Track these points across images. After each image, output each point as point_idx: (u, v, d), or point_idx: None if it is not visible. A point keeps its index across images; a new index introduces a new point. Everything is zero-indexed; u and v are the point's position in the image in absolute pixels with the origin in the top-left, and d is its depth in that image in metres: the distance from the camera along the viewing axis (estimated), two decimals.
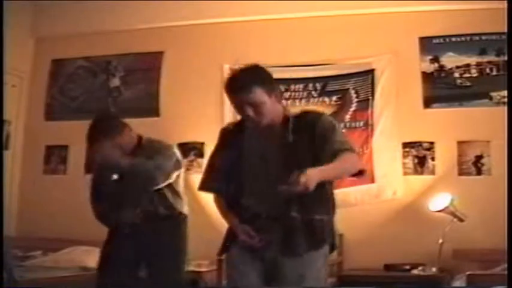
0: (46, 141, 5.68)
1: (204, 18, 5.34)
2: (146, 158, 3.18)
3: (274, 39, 5.16)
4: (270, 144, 2.50)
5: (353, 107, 5.04)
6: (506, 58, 4.69)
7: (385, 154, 4.90)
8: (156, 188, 3.21)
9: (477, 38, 4.83)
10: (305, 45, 5.13)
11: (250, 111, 2.40)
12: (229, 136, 2.62)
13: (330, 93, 5.10)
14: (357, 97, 5.04)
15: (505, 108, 4.42)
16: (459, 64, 4.85)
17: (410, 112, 4.90)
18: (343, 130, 4.83)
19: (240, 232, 2.50)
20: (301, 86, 5.15)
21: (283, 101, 4.90)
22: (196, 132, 5.07)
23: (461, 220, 4.42)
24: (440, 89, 4.88)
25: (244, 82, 2.39)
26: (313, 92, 5.14)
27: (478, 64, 4.81)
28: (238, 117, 2.58)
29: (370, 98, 4.99)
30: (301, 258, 2.43)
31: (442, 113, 4.84)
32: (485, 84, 4.78)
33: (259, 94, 2.39)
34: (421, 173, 4.83)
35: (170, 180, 3.25)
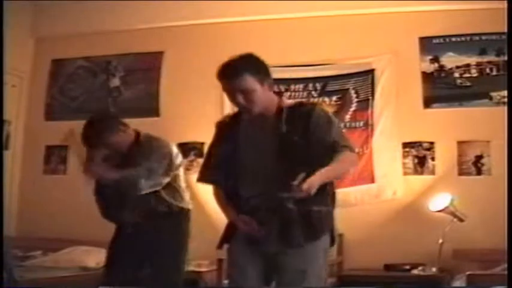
0: (46, 141, 5.68)
1: (204, 18, 5.34)
2: (141, 156, 3.21)
3: (274, 39, 5.16)
4: (264, 134, 2.52)
5: (353, 107, 5.04)
6: (506, 58, 4.69)
7: (385, 154, 4.90)
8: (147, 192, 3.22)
9: (477, 38, 4.83)
10: (305, 45, 5.13)
11: (240, 98, 2.43)
12: (225, 128, 2.64)
13: (330, 93, 5.10)
14: (357, 97, 5.04)
15: (505, 108, 4.41)
16: (459, 64, 4.85)
17: (410, 112, 4.90)
18: (343, 130, 4.88)
19: (239, 223, 2.51)
20: (301, 86, 5.16)
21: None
22: (196, 132, 5.07)
23: (461, 220, 4.43)
24: (440, 89, 4.88)
25: (236, 68, 2.43)
26: (313, 92, 5.14)
27: (478, 64, 4.81)
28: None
29: (370, 98, 4.99)
30: (300, 251, 2.44)
31: (442, 113, 4.84)
32: (485, 84, 4.78)
33: (250, 81, 2.41)
34: (421, 173, 4.83)
35: (167, 180, 3.26)
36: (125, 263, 3.26)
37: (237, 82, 2.41)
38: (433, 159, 4.82)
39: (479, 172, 4.71)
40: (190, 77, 5.30)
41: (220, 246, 2.66)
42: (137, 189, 3.17)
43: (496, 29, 4.62)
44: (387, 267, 4.53)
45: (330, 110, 4.93)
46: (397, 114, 4.92)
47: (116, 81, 5.67)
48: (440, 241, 4.35)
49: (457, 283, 3.96)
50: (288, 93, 5.10)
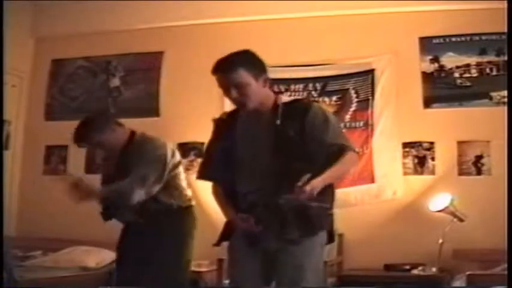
0: (46, 141, 5.68)
1: (204, 18, 5.34)
2: (135, 157, 3.21)
3: (274, 39, 5.15)
4: (260, 130, 2.53)
5: (353, 107, 5.04)
6: (506, 58, 4.68)
7: (385, 154, 4.90)
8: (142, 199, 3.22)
9: (477, 38, 4.82)
10: (305, 45, 5.13)
11: (235, 93, 2.45)
12: (222, 125, 2.66)
13: (330, 93, 5.09)
14: (357, 97, 5.04)
15: (505, 108, 4.42)
16: (459, 64, 4.84)
17: (410, 112, 4.90)
18: (343, 130, 4.89)
19: (237, 220, 2.52)
20: (301, 86, 5.16)
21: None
22: (196, 132, 5.06)
23: (461, 220, 4.42)
24: (440, 89, 4.88)
25: (230, 63, 2.45)
26: (313, 92, 5.13)
27: (478, 64, 4.81)
28: None
29: (370, 98, 4.99)
30: (297, 247, 2.45)
31: (442, 113, 4.84)
32: (485, 84, 4.78)
33: (244, 75, 2.43)
34: (421, 173, 4.83)
35: (158, 187, 3.23)
36: (130, 263, 3.28)
37: (231, 76, 2.43)
38: (433, 159, 4.82)
39: (479, 172, 4.70)
40: (190, 77, 5.30)
41: (218, 243, 2.67)
42: (130, 201, 3.17)
43: (496, 29, 4.62)
44: (387, 267, 4.53)
45: (330, 110, 4.94)
46: (397, 114, 4.91)
47: (116, 81, 5.67)
48: (440, 241, 4.35)
49: (457, 283, 3.97)
50: (288, 93, 5.09)
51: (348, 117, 5.02)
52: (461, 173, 4.74)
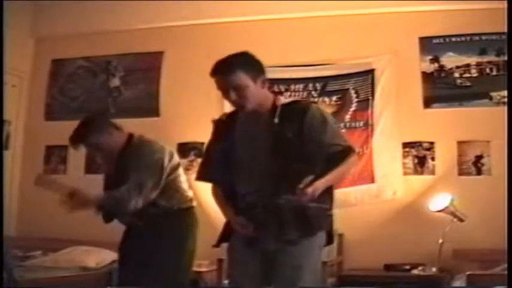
0: (46, 141, 5.68)
1: (204, 18, 5.34)
2: (132, 160, 3.20)
3: (274, 39, 5.16)
4: (258, 131, 2.54)
5: (353, 107, 5.04)
6: (506, 58, 4.68)
7: (385, 154, 4.90)
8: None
9: (477, 38, 4.83)
10: (305, 45, 5.13)
11: (233, 95, 2.46)
12: (221, 127, 2.67)
13: (330, 93, 5.09)
14: (357, 97, 5.04)
15: (505, 108, 4.42)
16: (459, 64, 4.84)
17: (410, 112, 4.90)
18: (343, 130, 4.89)
19: (235, 223, 2.53)
20: (301, 86, 5.15)
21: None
22: (196, 132, 5.06)
23: (461, 220, 4.42)
24: (440, 89, 4.88)
25: (228, 65, 2.46)
26: (313, 92, 5.13)
27: (478, 64, 4.81)
28: None
29: (370, 98, 4.99)
30: (296, 247, 2.45)
31: (442, 113, 4.84)
32: (485, 84, 4.78)
33: (243, 78, 2.44)
34: (421, 173, 4.83)
35: (155, 194, 3.22)
36: (131, 264, 3.27)
37: (230, 78, 2.44)
38: (433, 159, 4.82)
39: (479, 172, 4.70)
40: (190, 77, 5.30)
41: (217, 244, 2.68)
42: (127, 209, 3.17)
43: (496, 29, 4.62)
44: (387, 267, 4.53)
45: (330, 110, 4.96)
46: (397, 114, 4.91)
47: (116, 81, 5.67)
48: (440, 241, 4.35)
49: (457, 283, 3.96)
50: (288, 93, 5.10)
51: (348, 117, 5.02)
52: (461, 173, 4.74)
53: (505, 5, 4.02)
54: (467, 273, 3.65)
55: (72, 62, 5.81)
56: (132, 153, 3.26)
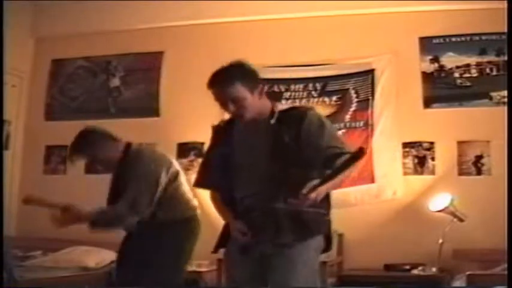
0: (46, 141, 5.68)
1: (204, 18, 5.34)
2: (128, 172, 3.19)
3: (274, 39, 5.15)
4: (257, 136, 2.55)
5: (353, 107, 5.04)
6: (506, 58, 4.69)
7: (385, 154, 4.90)
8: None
9: (477, 38, 4.83)
10: (305, 45, 5.12)
11: (232, 107, 2.47)
12: (220, 133, 2.68)
13: (330, 93, 5.09)
14: (357, 97, 5.04)
15: (505, 108, 4.42)
16: (459, 64, 4.85)
17: (410, 112, 4.90)
18: (343, 130, 4.89)
19: (232, 229, 2.54)
20: (301, 86, 5.15)
21: (283, 101, 5.00)
22: (196, 132, 5.06)
23: (461, 220, 4.42)
24: (440, 89, 4.88)
25: (225, 77, 2.47)
26: (313, 92, 5.13)
27: (478, 64, 4.81)
28: None
29: (370, 98, 4.99)
30: (291, 250, 2.46)
31: (442, 113, 4.84)
32: (485, 84, 4.78)
33: (240, 90, 2.46)
34: (421, 173, 4.83)
35: (149, 210, 3.19)
36: (129, 267, 3.27)
37: (228, 91, 2.46)
38: (433, 159, 4.82)
39: (479, 172, 4.70)
40: (190, 77, 5.29)
41: (215, 250, 2.69)
42: (121, 225, 3.19)
43: (496, 29, 4.62)
44: (387, 267, 4.53)
45: (330, 110, 4.97)
46: (397, 114, 4.91)
47: (116, 81, 5.66)
48: (440, 241, 4.35)
49: (457, 283, 3.97)
50: (288, 93, 5.10)
51: (348, 117, 5.02)
52: (461, 173, 4.74)
53: (505, 5, 4.03)
54: (467, 273, 3.65)
55: (72, 62, 5.80)
56: (129, 164, 3.24)
